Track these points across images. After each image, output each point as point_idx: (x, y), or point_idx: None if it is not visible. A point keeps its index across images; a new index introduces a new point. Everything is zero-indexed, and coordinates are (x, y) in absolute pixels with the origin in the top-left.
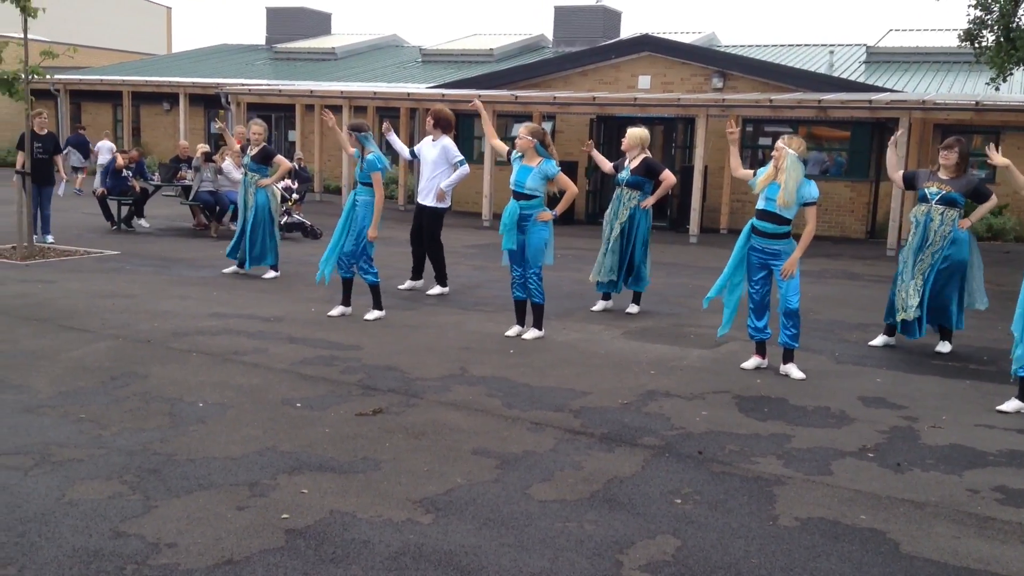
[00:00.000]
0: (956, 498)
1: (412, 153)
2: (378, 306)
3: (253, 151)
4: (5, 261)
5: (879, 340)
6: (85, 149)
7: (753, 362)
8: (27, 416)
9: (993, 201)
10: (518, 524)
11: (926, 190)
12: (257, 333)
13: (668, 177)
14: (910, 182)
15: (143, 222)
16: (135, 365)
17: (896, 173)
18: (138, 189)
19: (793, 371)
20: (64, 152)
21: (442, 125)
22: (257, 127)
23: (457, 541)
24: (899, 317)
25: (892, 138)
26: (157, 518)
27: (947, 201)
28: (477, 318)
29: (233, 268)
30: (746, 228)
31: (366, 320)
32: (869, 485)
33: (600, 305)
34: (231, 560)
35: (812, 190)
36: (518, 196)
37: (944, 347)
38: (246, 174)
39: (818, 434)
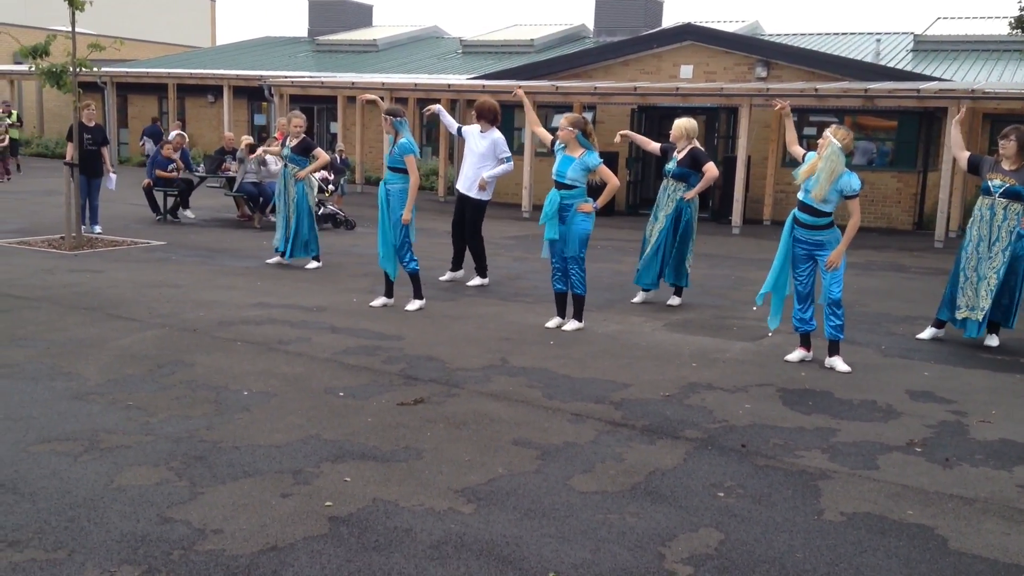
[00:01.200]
0: (1006, 494)
1: (459, 131)
2: (418, 296)
3: (293, 143)
4: (55, 251)
5: (927, 333)
6: (160, 139)
7: (798, 354)
8: (76, 403)
9: None
10: (559, 515)
11: (989, 183)
12: (300, 323)
13: (711, 169)
14: (975, 167)
15: (188, 213)
16: (181, 354)
17: (962, 153)
18: (179, 173)
19: (838, 364)
20: (140, 143)
21: (489, 117)
22: (297, 119)
23: (498, 531)
24: (961, 315)
25: (956, 118)
26: (203, 504)
27: (1011, 194)
28: (517, 309)
29: (277, 259)
30: (788, 220)
31: (407, 311)
32: (917, 480)
33: (640, 297)
34: (275, 547)
35: (853, 182)
36: (560, 186)
37: (993, 341)
38: (286, 165)
39: (864, 428)
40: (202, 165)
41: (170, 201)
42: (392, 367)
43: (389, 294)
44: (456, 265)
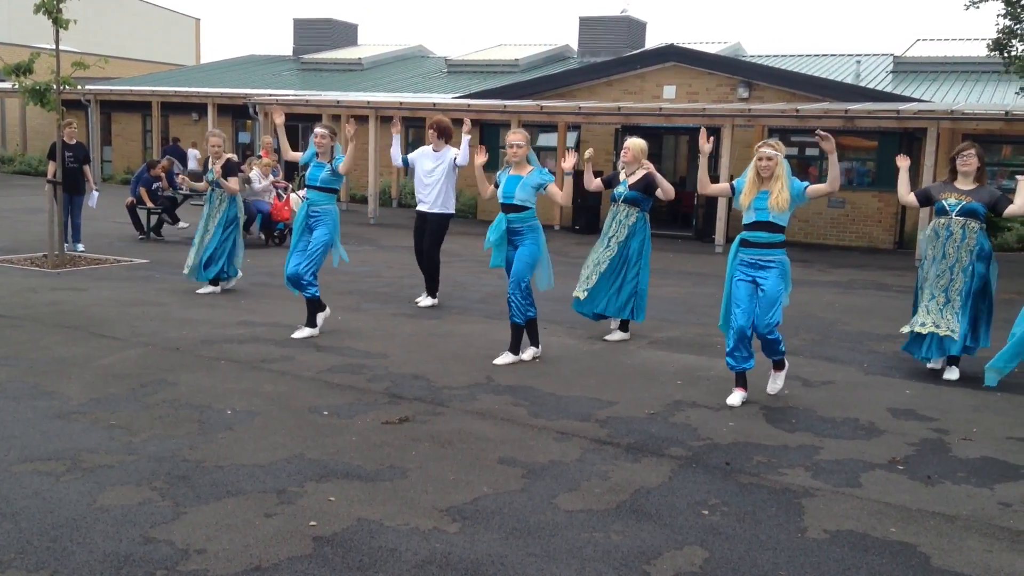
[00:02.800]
0: (988, 511)
1: (404, 161)
2: (311, 323)
3: (216, 165)
4: (37, 269)
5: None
6: (182, 158)
7: (738, 397)
8: (59, 422)
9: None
10: (544, 534)
11: (944, 202)
12: (284, 341)
13: (671, 192)
14: (925, 199)
15: (181, 224)
16: (164, 372)
17: (909, 196)
18: (165, 191)
19: (775, 382)
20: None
21: (446, 135)
22: (216, 139)
23: (483, 550)
24: (927, 330)
25: (902, 166)
26: (186, 524)
27: (968, 212)
28: (503, 327)
29: (211, 289)
30: (733, 248)
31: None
32: (899, 498)
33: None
34: (259, 567)
35: (800, 184)
36: (508, 208)
37: (953, 374)
38: (213, 190)
39: (847, 446)
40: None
41: (153, 219)
42: (377, 385)
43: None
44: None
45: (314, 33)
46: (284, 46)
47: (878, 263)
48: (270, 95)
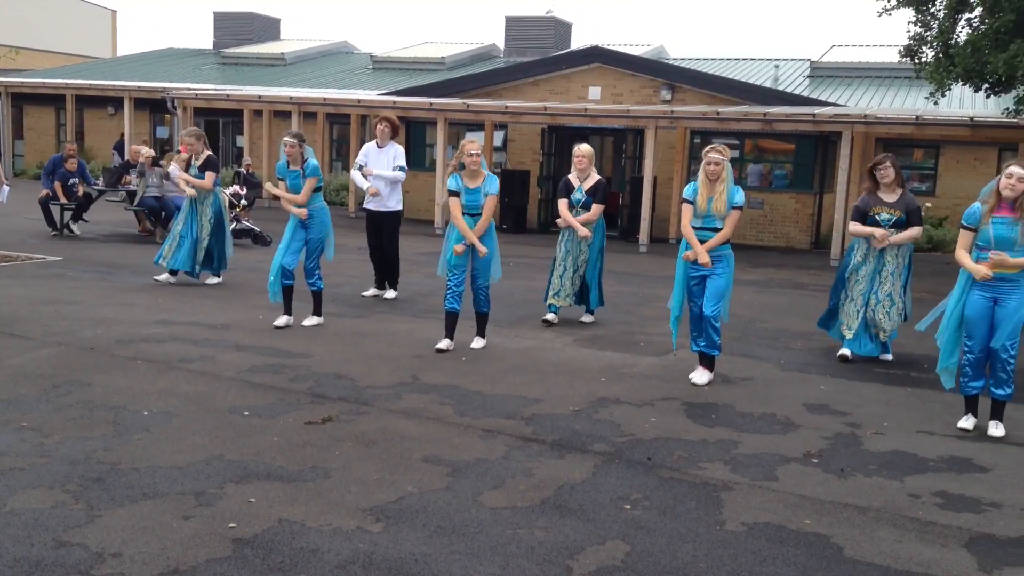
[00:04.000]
0: (898, 503)
1: (361, 168)
2: (318, 312)
3: (198, 162)
4: None
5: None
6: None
7: (694, 374)
8: None
9: (919, 231)
10: (469, 531)
11: (877, 216)
12: (204, 340)
13: (597, 210)
14: (862, 215)
15: (75, 228)
16: (78, 373)
17: (853, 228)
18: (81, 193)
19: (701, 376)
20: (112, 156)
21: (395, 132)
22: (189, 138)
23: (407, 549)
24: (851, 335)
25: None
26: (101, 528)
27: (900, 226)
28: (429, 326)
29: (167, 276)
30: (682, 248)
31: (304, 326)
32: (813, 490)
33: (551, 316)
34: (177, 570)
35: (742, 195)
36: (473, 215)
37: (887, 355)
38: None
39: (764, 440)
40: (101, 179)
41: (67, 215)
42: (300, 385)
43: (289, 311)
44: (380, 282)
45: (235, 27)
46: (204, 40)
47: (795, 263)
48: (189, 89)
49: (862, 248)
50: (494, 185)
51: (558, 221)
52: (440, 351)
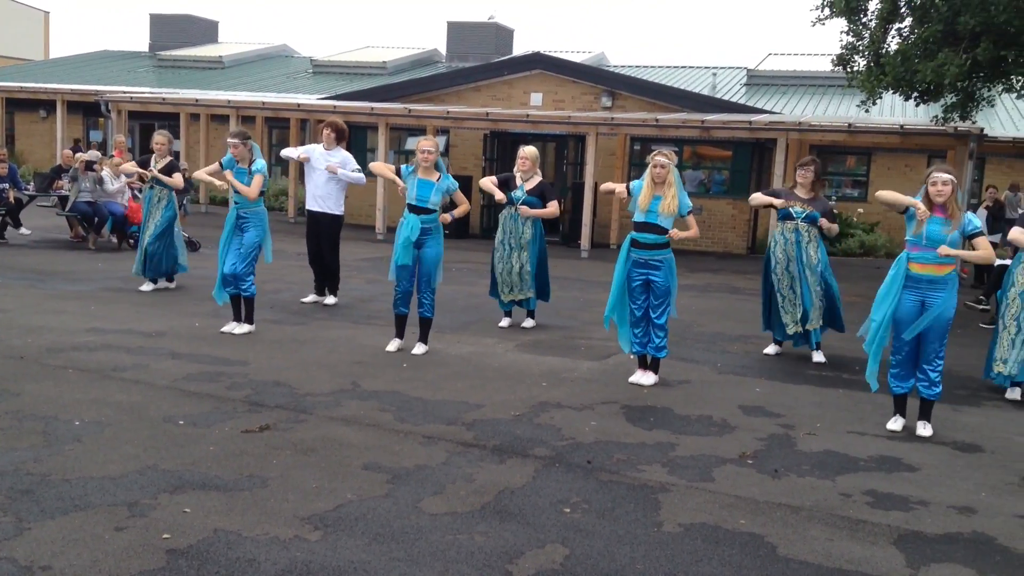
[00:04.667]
0: (829, 502)
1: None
2: (250, 320)
3: (160, 164)
4: None
5: (771, 349)
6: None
7: (639, 376)
8: None
9: (835, 226)
10: (408, 538)
11: (791, 209)
12: (137, 348)
13: (555, 208)
14: (774, 195)
15: (23, 230)
16: (7, 382)
17: (760, 198)
18: (12, 199)
19: (646, 377)
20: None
21: (341, 138)
22: (161, 138)
23: (346, 557)
24: (792, 331)
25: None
26: (30, 540)
27: (810, 220)
28: (370, 332)
29: (151, 286)
30: (624, 247)
31: (235, 334)
32: (748, 491)
33: (506, 322)
34: None
35: (688, 199)
36: (419, 211)
37: (820, 357)
38: (152, 187)
39: (701, 442)
40: (32, 184)
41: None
42: (236, 393)
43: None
44: (320, 288)
45: (172, 29)
46: (140, 42)
47: (732, 267)
48: (124, 92)
49: (779, 245)
50: (453, 181)
51: (481, 183)
52: (389, 352)
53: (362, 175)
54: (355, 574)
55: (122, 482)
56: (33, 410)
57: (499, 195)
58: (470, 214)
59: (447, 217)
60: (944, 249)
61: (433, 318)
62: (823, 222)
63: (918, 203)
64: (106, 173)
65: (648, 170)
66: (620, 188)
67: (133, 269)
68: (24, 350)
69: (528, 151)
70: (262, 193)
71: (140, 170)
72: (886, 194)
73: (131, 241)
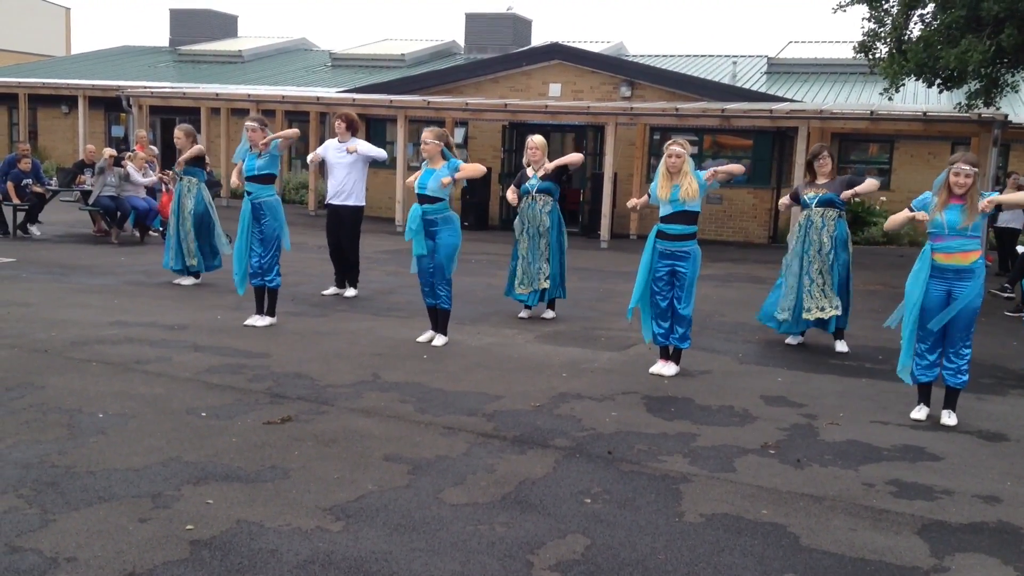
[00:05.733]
0: (852, 492)
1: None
2: (272, 312)
3: (185, 154)
4: None
5: (792, 339)
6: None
7: (660, 367)
8: None
9: (871, 182)
10: (429, 529)
11: (804, 197)
12: (160, 341)
13: (576, 156)
14: (797, 197)
15: (34, 229)
16: (32, 375)
17: (784, 199)
18: (39, 190)
19: (667, 368)
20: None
21: (353, 128)
22: (178, 131)
23: (367, 548)
24: (814, 316)
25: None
26: (55, 532)
27: (825, 202)
28: (390, 324)
29: (191, 280)
30: (651, 238)
31: (256, 326)
32: (770, 481)
33: (525, 313)
34: (133, 573)
35: (700, 172)
36: (422, 199)
37: (843, 347)
38: (181, 179)
39: (722, 432)
40: (55, 179)
41: (20, 216)
42: (258, 385)
43: (263, 311)
44: (340, 282)
45: (192, 24)
46: (160, 37)
47: (753, 257)
48: (145, 87)
49: (794, 234)
50: (456, 162)
51: (508, 198)
52: (410, 343)
53: (383, 150)
54: (376, 564)
55: (146, 474)
56: (58, 403)
57: (514, 200)
58: (489, 206)
59: (447, 179)
60: (987, 201)
61: (451, 309)
62: (847, 193)
63: (916, 213)
64: (130, 168)
65: (663, 160)
66: (640, 200)
67: (166, 263)
68: (48, 343)
69: (536, 140)
70: (271, 180)
71: (161, 175)
72: (889, 224)
73: (161, 233)
